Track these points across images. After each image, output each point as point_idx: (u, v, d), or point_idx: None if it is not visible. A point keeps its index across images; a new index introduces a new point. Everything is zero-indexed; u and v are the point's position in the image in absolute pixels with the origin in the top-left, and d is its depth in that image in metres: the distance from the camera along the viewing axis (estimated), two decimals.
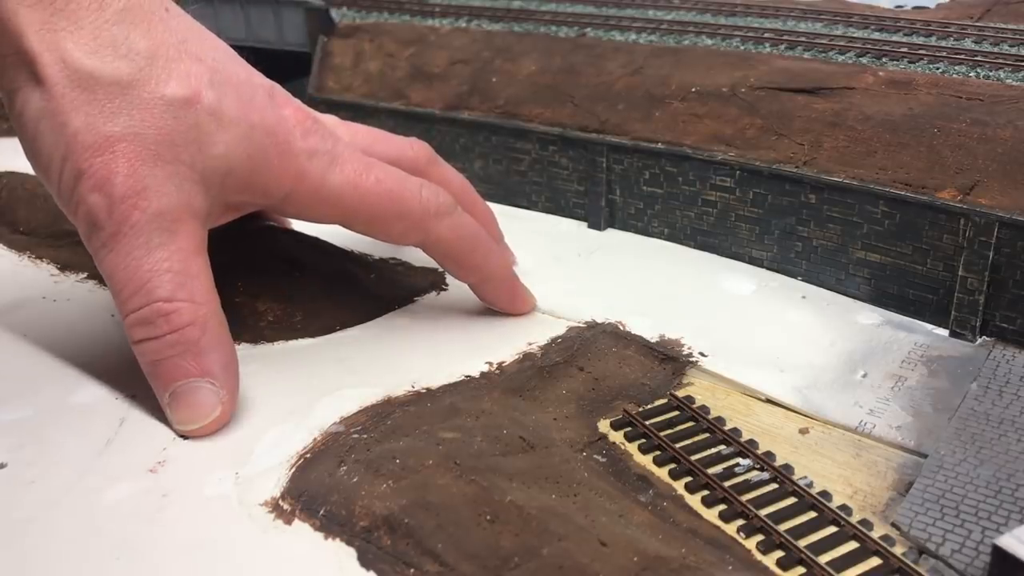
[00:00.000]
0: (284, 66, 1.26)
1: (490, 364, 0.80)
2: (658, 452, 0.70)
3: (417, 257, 1.01)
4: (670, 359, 0.82)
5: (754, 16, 1.23)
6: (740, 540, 0.61)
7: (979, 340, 0.83)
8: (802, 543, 0.60)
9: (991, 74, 0.96)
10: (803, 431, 0.73)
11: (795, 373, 0.79)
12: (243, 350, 0.82)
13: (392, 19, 1.40)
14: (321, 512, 0.61)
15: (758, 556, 0.59)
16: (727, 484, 0.65)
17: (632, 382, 0.79)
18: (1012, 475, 0.64)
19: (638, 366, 0.81)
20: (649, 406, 0.76)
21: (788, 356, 0.82)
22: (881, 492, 0.65)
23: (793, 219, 0.95)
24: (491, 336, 0.85)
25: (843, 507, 0.64)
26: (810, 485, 0.66)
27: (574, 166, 1.12)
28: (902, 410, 0.74)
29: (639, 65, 1.12)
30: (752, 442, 0.71)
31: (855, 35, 1.13)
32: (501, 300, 0.89)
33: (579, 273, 0.99)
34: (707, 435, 0.72)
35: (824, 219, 0.93)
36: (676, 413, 0.75)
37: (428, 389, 0.76)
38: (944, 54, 1.02)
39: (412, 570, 0.56)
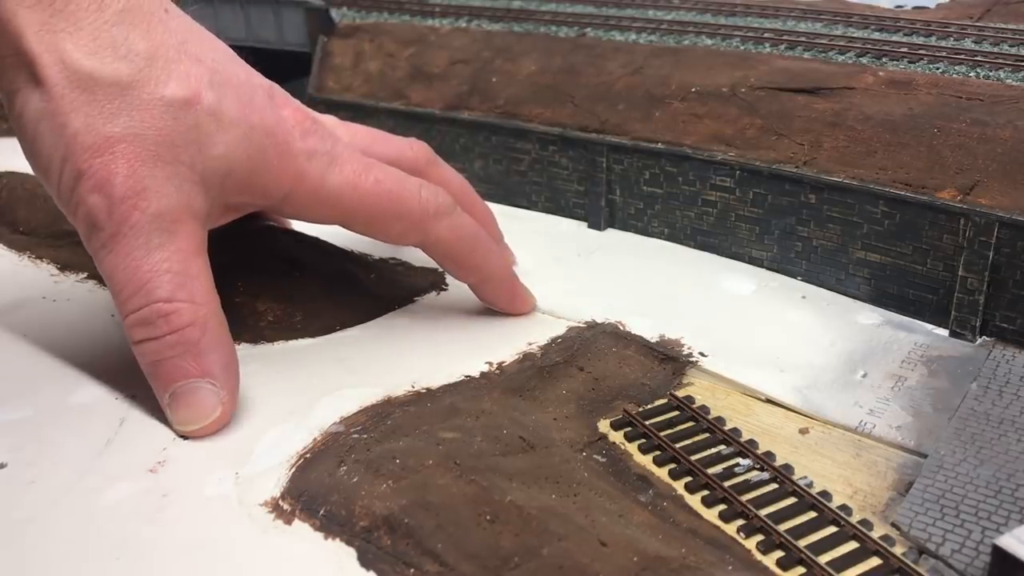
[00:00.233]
0: (284, 66, 1.26)
1: (490, 364, 0.80)
2: (658, 452, 0.70)
3: (417, 257, 1.01)
4: (670, 359, 0.82)
5: (754, 16, 1.23)
6: (740, 540, 0.61)
7: (979, 340, 0.83)
8: (802, 543, 0.60)
9: (991, 74, 0.96)
10: (803, 431, 0.73)
11: (795, 373, 0.79)
12: (243, 350, 0.82)
13: (392, 19, 1.40)
14: (321, 512, 0.61)
15: (758, 556, 0.59)
16: (727, 484, 0.65)
17: (632, 382, 0.79)
18: (1012, 475, 0.64)
19: (638, 366, 0.81)
20: (649, 406, 0.76)
21: (788, 356, 0.82)
22: (881, 492, 0.65)
23: (793, 219, 0.95)
24: (491, 336, 0.85)
25: (843, 507, 0.64)
26: (810, 485, 0.66)
27: (574, 166, 1.12)
28: (902, 410, 0.74)
29: (639, 65, 1.12)
30: (752, 442, 0.71)
31: (855, 35, 1.13)
32: (501, 300, 0.89)
33: (579, 273, 0.99)
34: (707, 435, 0.72)
35: (824, 219, 0.93)
36: (676, 413, 0.75)
37: (428, 389, 0.76)
38: (944, 54, 1.02)
39: (412, 570, 0.56)
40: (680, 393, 0.77)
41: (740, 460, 0.69)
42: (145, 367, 0.70)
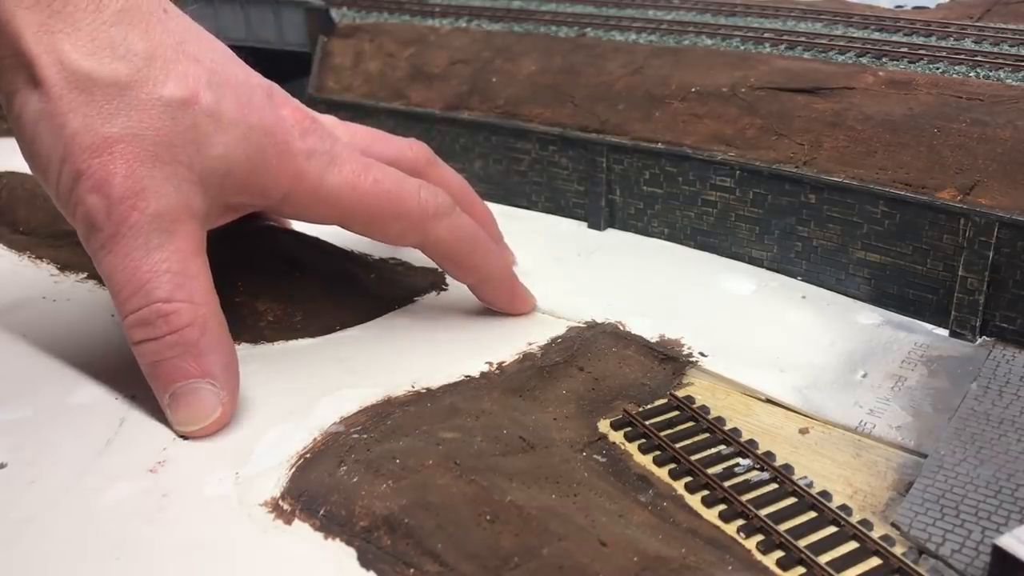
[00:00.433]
0: (284, 66, 1.26)
1: (490, 364, 0.80)
2: (658, 452, 0.70)
3: (417, 257, 1.01)
4: (670, 359, 0.82)
5: (754, 16, 1.23)
6: (740, 540, 0.61)
7: (979, 340, 0.83)
8: (802, 543, 0.60)
9: (991, 74, 0.96)
10: (803, 431, 0.73)
11: (795, 373, 0.79)
12: (243, 350, 0.82)
13: (392, 19, 1.40)
14: (321, 512, 0.61)
15: (758, 556, 0.59)
16: (727, 484, 0.65)
17: (632, 382, 0.79)
18: (1012, 475, 0.64)
19: (638, 366, 0.81)
20: (649, 406, 0.76)
21: (788, 356, 0.82)
22: (881, 492, 0.65)
23: (793, 219, 0.95)
24: (491, 336, 0.85)
25: (843, 507, 0.64)
26: (810, 485, 0.66)
27: (574, 166, 1.12)
28: (902, 410, 0.74)
29: (639, 65, 1.12)
30: (752, 442, 0.71)
31: (855, 35, 1.13)
32: (500, 300, 0.89)
33: (579, 273, 0.99)
34: (707, 435, 0.72)
35: (824, 219, 0.93)
36: (676, 413, 0.75)
37: (428, 389, 0.76)
38: (944, 54, 1.02)
39: (412, 570, 0.56)
40: (680, 393, 0.77)
41: (740, 460, 0.69)
42: (145, 368, 0.70)
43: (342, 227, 0.84)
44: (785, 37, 1.12)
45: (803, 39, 1.11)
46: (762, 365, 0.80)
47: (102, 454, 0.68)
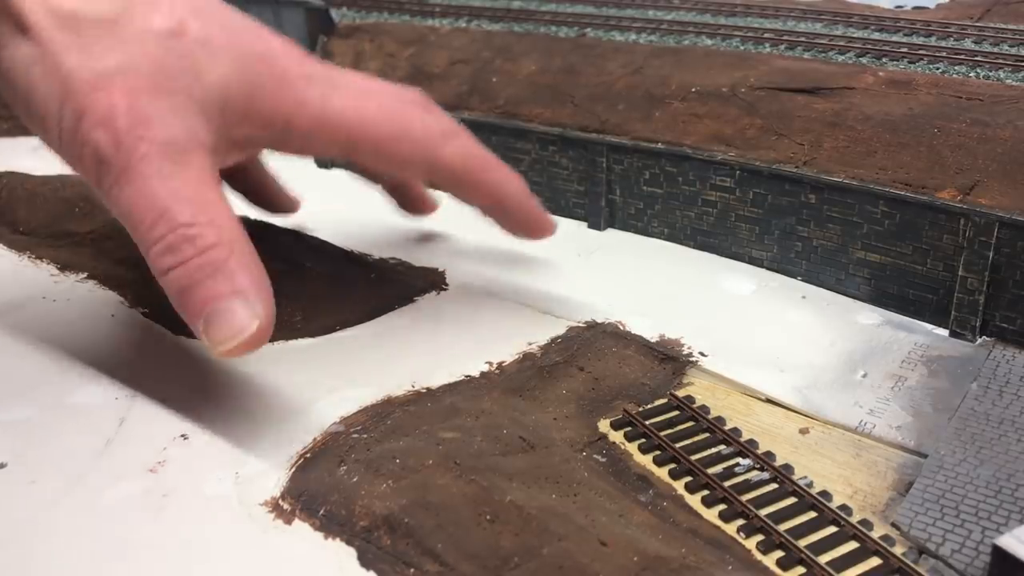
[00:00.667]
0: None
1: (490, 364, 0.80)
2: (658, 452, 0.70)
3: (417, 257, 1.01)
4: (670, 359, 0.82)
5: (754, 16, 1.23)
6: (740, 540, 0.61)
7: (979, 340, 0.83)
8: (802, 543, 0.60)
9: (991, 74, 0.96)
10: (803, 431, 0.73)
11: (795, 373, 0.79)
12: None
13: (392, 19, 1.40)
14: (321, 512, 0.61)
15: (758, 556, 0.59)
16: (727, 484, 0.65)
17: (632, 382, 0.79)
18: (1012, 475, 0.64)
19: (638, 366, 0.81)
20: (649, 406, 0.76)
21: (788, 356, 0.82)
22: (881, 492, 0.65)
23: (793, 219, 0.95)
24: (491, 336, 0.85)
25: (843, 507, 0.64)
26: (810, 485, 0.66)
27: (574, 166, 1.12)
28: (902, 410, 0.74)
29: (639, 65, 1.12)
30: (752, 442, 0.71)
31: (855, 35, 1.13)
32: (520, 223, 0.88)
33: (579, 273, 0.99)
34: (707, 435, 0.72)
35: (824, 219, 0.93)
36: (676, 413, 0.75)
37: (428, 389, 0.76)
38: (944, 54, 1.02)
39: (412, 570, 0.56)
40: (680, 393, 0.77)
41: (740, 460, 0.69)
42: (174, 298, 0.67)
43: (350, 158, 0.82)
44: (785, 37, 1.13)
45: (803, 39, 1.11)
46: (762, 365, 0.80)
47: (102, 454, 0.68)
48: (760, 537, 0.61)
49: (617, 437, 0.72)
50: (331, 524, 0.60)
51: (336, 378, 0.77)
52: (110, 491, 0.64)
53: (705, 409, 0.75)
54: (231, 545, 0.59)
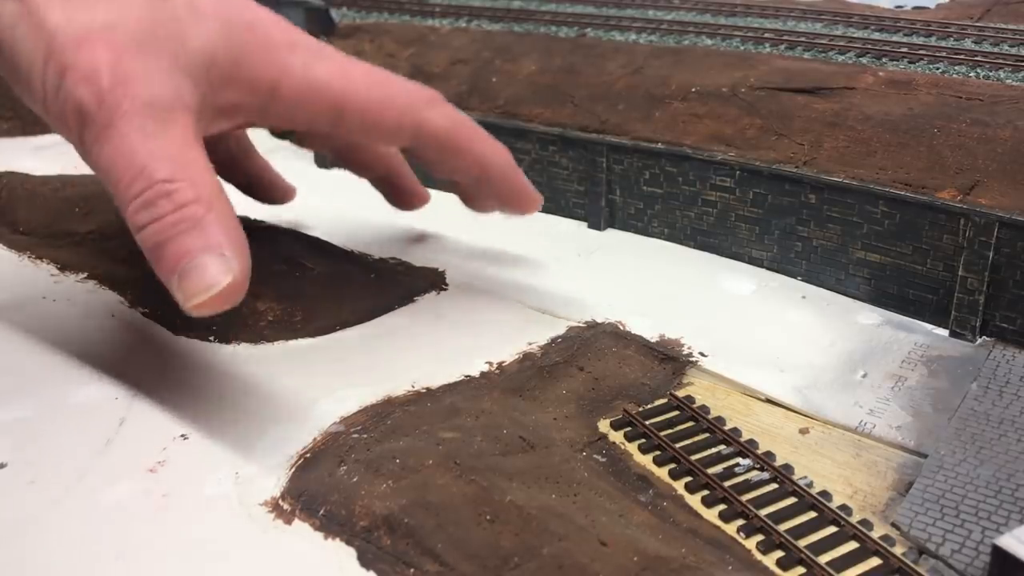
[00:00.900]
0: None
1: (490, 364, 0.80)
2: (658, 452, 0.70)
3: (417, 257, 1.01)
4: (670, 359, 0.82)
5: (754, 16, 1.23)
6: (740, 540, 0.61)
7: (979, 340, 0.83)
8: (802, 543, 0.60)
9: (991, 74, 0.96)
10: (803, 431, 0.73)
11: (795, 373, 0.79)
12: (243, 350, 0.82)
13: (392, 19, 1.40)
14: (321, 512, 0.61)
15: (758, 556, 0.59)
16: (727, 484, 0.65)
17: (632, 382, 0.79)
18: (1012, 475, 0.64)
19: (638, 366, 0.81)
20: (649, 406, 0.76)
21: (788, 356, 0.82)
22: (881, 492, 0.65)
23: (793, 219, 0.95)
24: (491, 336, 0.85)
25: (843, 507, 0.64)
26: (810, 485, 0.66)
27: (574, 166, 1.12)
28: (902, 410, 0.74)
29: (639, 65, 1.12)
30: (752, 442, 0.71)
31: (855, 35, 1.13)
32: (506, 196, 0.88)
33: (579, 273, 0.99)
34: (707, 435, 0.72)
35: (824, 219, 0.93)
36: (676, 413, 0.75)
37: (428, 389, 0.76)
38: (944, 54, 1.02)
39: (412, 570, 0.56)
40: (680, 393, 0.77)
41: (740, 460, 0.69)
42: (150, 253, 0.66)
43: (336, 130, 0.82)
44: (785, 37, 1.13)
45: (803, 39, 1.11)
46: (762, 365, 0.80)
47: (102, 454, 0.68)
48: (760, 537, 0.61)
49: (617, 437, 0.72)
50: (331, 524, 0.60)
51: (336, 378, 0.77)
52: (110, 491, 0.64)
53: (705, 409, 0.75)
54: (231, 545, 0.59)
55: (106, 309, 0.89)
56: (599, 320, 0.88)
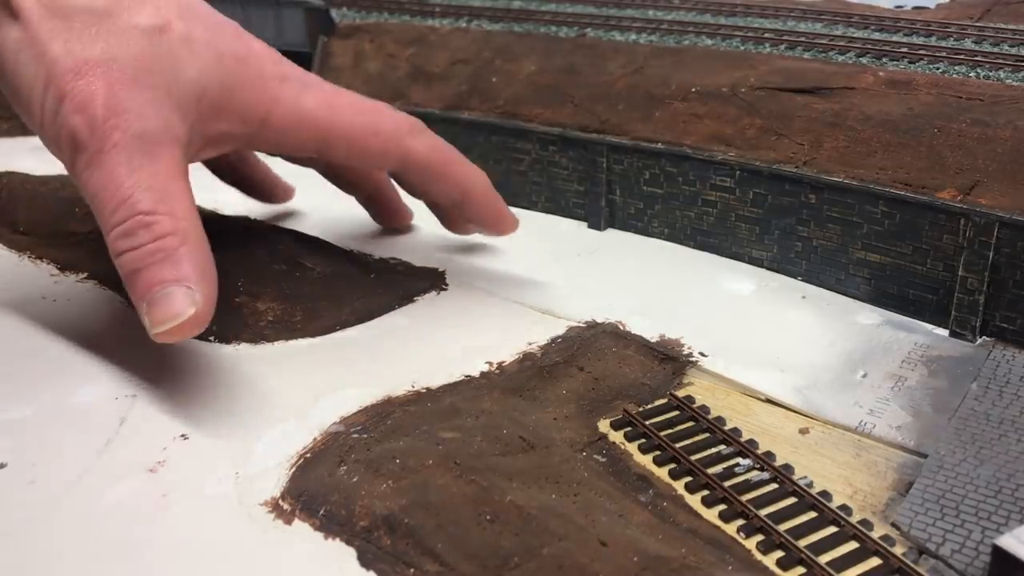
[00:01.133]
0: None
1: (490, 364, 0.80)
2: (658, 452, 0.70)
3: (417, 257, 1.01)
4: (670, 359, 0.82)
5: (754, 16, 1.23)
6: (740, 540, 0.61)
7: (979, 340, 0.83)
8: (802, 543, 0.60)
9: (991, 74, 0.96)
10: (803, 431, 0.73)
11: (795, 373, 0.79)
12: (243, 350, 0.82)
13: (392, 19, 1.40)
14: (321, 512, 0.61)
15: (758, 556, 0.59)
16: (727, 484, 0.65)
17: (632, 382, 0.79)
18: (1012, 475, 0.64)
19: (638, 366, 0.81)
20: (649, 406, 0.76)
21: (788, 356, 0.82)
22: (881, 492, 0.65)
23: (793, 219, 0.95)
24: (491, 336, 0.85)
25: (843, 507, 0.64)
26: (810, 485, 0.66)
27: (574, 166, 1.12)
28: (902, 410, 0.74)
29: (639, 65, 1.12)
30: (752, 442, 0.71)
31: (855, 35, 1.13)
32: (485, 217, 0.93)
33: (579, 273, 0.99)
34: (707, 435, 0.72)
35: (824, 219, 0.93)
36: (676, 413, 0.75)
37: (428, 389, 0.76)
38: (944, 54, 1.02)
39: (412, 570, 0.56)
40: (680, 393, 0.77)
41: (740, 460, 0.69)
42: (125, 278, 0.71)
43: (323, 156, 0.87)
44: (785, 37, 1.12)
45: (803, 39, 1.11)
46: (762, 365, 0.80)
47: (102, 454, 0.68)
48: (760, 537, 0.61)
49: (617, 437, 0.72)
50: (331, 524, 0.60)
51: (336, 378, 0.77)
52: (110, 491, 0.64)
53: (705, 409, 0.75)
54: (231, 545, 0.59)
55: (106, 309, 0.89)
56: (599, 320, 0.88)
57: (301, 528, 0.60)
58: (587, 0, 1.36)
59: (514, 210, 1.16)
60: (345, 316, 0.88)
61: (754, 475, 0.67)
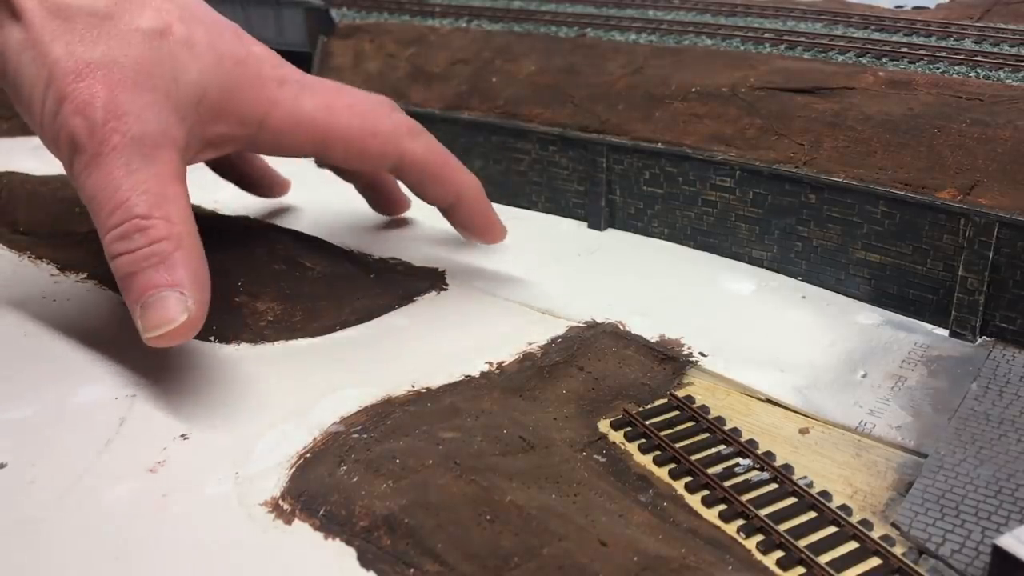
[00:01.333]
0: None
1: (490, 364, 0.80)
2: (658, 452, 0.70)
3: (417, 257, 1.01)
4: (670, 359, 0.82)
5: (754, 16, 1.23)
6: (740, 540, 0.61)
7: (979, 340, 0.83)
8: (802, 543, 0.60)
9: (991, 74, 0.96)
10: (803, 431, 0.73)
11: (795, 373, 0.79)
12: (243, 350, 0.82)
13: (392, 19, 1.40)
14: (321, 512, 0.61)
15: (758, 556, 0.59)
16: (727, 484, 0.65)
17: (632, 382, 0.79)
18: (1012, 475, 0.64)
19: (638, 366, 0.81)
20: (649, 406, 0.76)
21: (788, 356, 0.82)
22: (881, 492, 0.65)
23: (793, 219, 0.95)
24: (491, 336, 0.85)
25: (843, 507, 0.64)
26: (810, 485, 0.66)
27: (574, 166, 1.12)
28: (902, 410, 0.74)
29: (639, 65, 1.12)
30: (752, 442, 0.71)
31: (855, 35, 1.13)
32: (476, 223, 0.94)
33: (579, 273, 0.99)
34: (707, 435, 0.72)
35: (824, 219, 0.93)
36: (676, 413, 0.75)
37: (428, 389, 0.76)
38: (944, 54, 1.02)
39: (412, 570, 0.56)
40: (680, 393, 0.77)
41: (740, 460, 0.69)
42: (120, 281, 0.71)
43: (322, 157, 0.88)
44: (785, 37, 1.12)
45: (803, 39, 1.11)
46: (762, 365, 0.80)
47: (102, 454, 0.68)
48: (760, 537, 0.61)
49: (617, 437, 0.72)
50: (331, 524, 0.60)
51: (336, 378, 0.78)
52: (110, 491, 0.64)
53: (705, 409, 0.75)
54: (231, 545, 0.59)
55: (106, 309, 0.89)
56: (599, 320, 0.88)
57: (301, 528, 0.60)
58: (587, 0, 1.36)
59: (514, 210, 1.17)
60: (345, 316, 0.88)
61: (754, 475, 0.67)
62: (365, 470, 0.63)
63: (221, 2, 1.51)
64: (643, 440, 0.71)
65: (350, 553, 0.58)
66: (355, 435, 0.69)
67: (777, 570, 0.58)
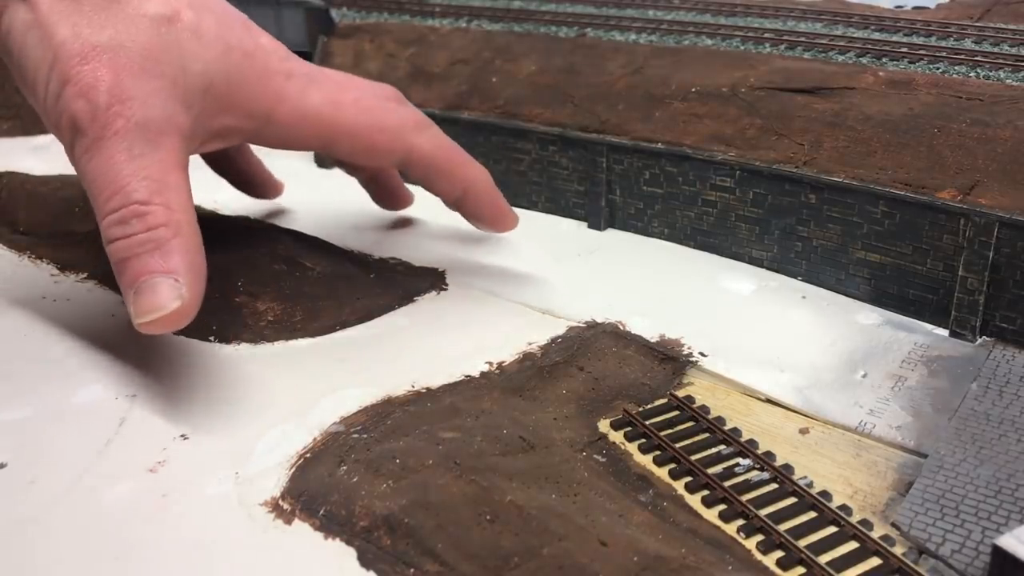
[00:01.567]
0: None
1: (490, 364, 0.80)
2: (658, 452, 0.70)
3: (417, 257, 1.01)
4: (670, 359, 0.82)
5: (754, 16, 1.23)
6: (740, 540, 0.61)
7: (979, 340, 0.83)
8: (802, 543, 0.60)
9: (991, 74, 0.96)
10: (803, 431, 0.73)
11: (795, 373, 0.79)
12: (243, 350, 0.82)
13: (392, 19, 1.40)
14: (321, 512, 0.61)
15: (758, 556, 0.59)
16: (727, 484, 0.65)
17: (632, 382, 0.79)
18: (1012, 475, 0.64)
19: (638, 366, 0.81)
20: (649, 406, 0.76)
21: (788, 356, 0.82)
22: (881, 492, 0.65)
23: (793, 219, 0.95)
24: (491, 336, 0.85)
25: (843, 507, 0.64)
26: (810, 485, 0.66)
27: (574, 166, 1.12)
28: (902, 410, 0.74)
29: (639, 65, 1.12)
30: (752, 442, 0.71)
31: (855, 35, 1.13)
32: (486, 213, 0.94)
33: (579, 273, 0.99)
34: (707, 435, 0.72)
35: (824, 219, 0.93)
36: (676, 413, 0.75)
37: (428, 389, 0.76)
38: (944, 54, 1.02)
39: (412, 570, 0.56)
40: (680, 393, 0.77)
41: (740, 460, 0.69)
42: (116, 266, 0.70)
43: (329, 152, 0.88)
44: (785, 37, 1.12)
45: (803, 39, 1.11)
46: (762, 365, 0.80)
47: (102, 454, 0.68)
48: (760, 537, 0.61)
49: (617, 437, 0.72)
50: (331, 524, 0.60)
51: (336, 378, 0.78)
52: (110, 491, 0.64)
53: (705, 409, 0.75)
54: (231, 545, 0.59)
55: (106, 309, 0.89)
56: (599, 320, 0.88)
57: (301, 528, 0.60)
58: (587, 0, 1.36)
59: (514, 210, 1.16)
60: (345, 316, 0.88)
61: (754, 475, 0.67)
62: (365, 470, 0.63)
63: None
64: (643, 440, 0.71)
65: (350, 553, 0.58)
66: (355, 435, 0.69)
67: (777, 570, 0.58)
